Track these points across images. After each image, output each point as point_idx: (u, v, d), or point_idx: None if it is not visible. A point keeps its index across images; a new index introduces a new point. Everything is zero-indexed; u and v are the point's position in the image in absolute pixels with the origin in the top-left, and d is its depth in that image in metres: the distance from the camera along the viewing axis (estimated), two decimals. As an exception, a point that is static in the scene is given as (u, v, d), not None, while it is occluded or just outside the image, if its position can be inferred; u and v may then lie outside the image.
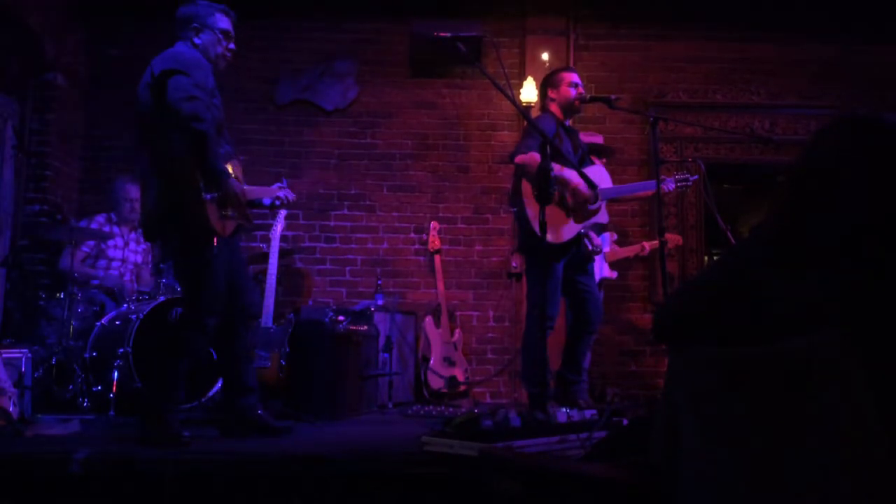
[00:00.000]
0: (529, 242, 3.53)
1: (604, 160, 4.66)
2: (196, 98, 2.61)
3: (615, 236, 4.96)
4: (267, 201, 3.19)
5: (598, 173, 3.72)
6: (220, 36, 2.90)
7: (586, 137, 4.40)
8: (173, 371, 2.71)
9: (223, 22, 2.92)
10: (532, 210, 3.46)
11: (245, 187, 2.95)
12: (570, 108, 3.73)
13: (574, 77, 3.73)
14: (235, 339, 2.96)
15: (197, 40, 2.87)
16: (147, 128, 2.77)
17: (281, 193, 3.19)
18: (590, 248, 3.68)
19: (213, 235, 2.69)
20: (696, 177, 3.90)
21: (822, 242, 1.22)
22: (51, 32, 4.99)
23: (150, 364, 3.26)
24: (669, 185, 3.81)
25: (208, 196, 2.64)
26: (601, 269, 4.79)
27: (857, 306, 1.14)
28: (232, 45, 2.96)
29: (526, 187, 3.54)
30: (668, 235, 4.61)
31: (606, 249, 4.77)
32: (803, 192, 1.34)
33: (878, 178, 1.23)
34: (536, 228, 3.14)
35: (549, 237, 3.20)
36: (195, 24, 2.87)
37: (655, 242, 4.83)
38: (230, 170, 2.82)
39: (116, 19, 5.44)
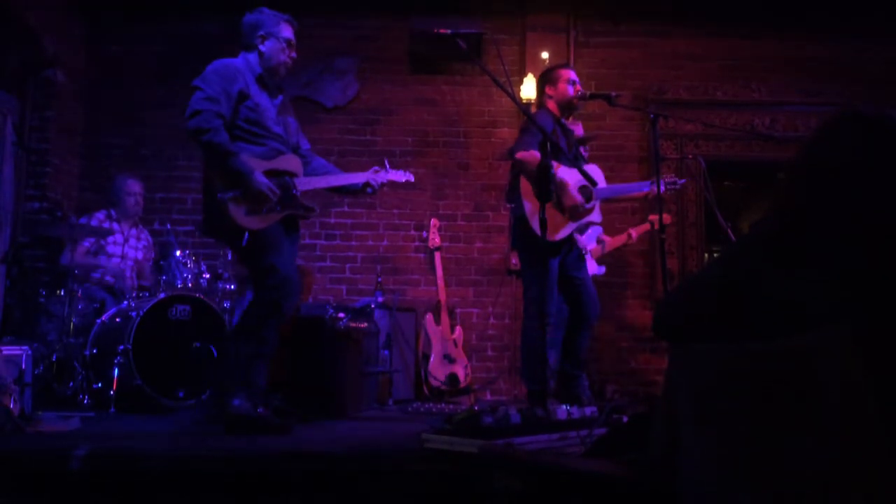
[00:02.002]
0: (527, 239, 3.53)
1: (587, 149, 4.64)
2: (200, 112, 2.78)
3: (599, 231, 4.91)
4: (360, 185, 3.23)
5: (593, 173, 3.71)
6: (285, 45, 3.04)
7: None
8: (251, 355, 2.79)
9: (287, 31, 3.07)
10: (531, 207, 3.46)
11: (341, 175, 3.18)
12: (567, 106, 3.72)
13: (572, 74, 3.73)
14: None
15: (262, 48, 3.02)
16: None
17: (372, 178, 3.22)
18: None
19: (242, 231, 2.79)
20: (683, 180, 3.94)
21: (824, 239, 1.22)
22: (51, 29, 4.98)
23: (226, 352, 3.33)
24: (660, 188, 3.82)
25: (227, 195, 2.76)
26: (589, 267, 4.77)
27: (858, 304, 1.14)
28: (294, 54, 3.10)
29: (525, 185, 3.53)
30: (652, 216, 4.62)
31: (591, 247, 4.75)
32: (805, 189, 1.33)
33: (882, 175, 1.23)
34: (535, 226, 3.13)
35: (547, 234, 3.20)
36: (261, 32, 3.02)
37: (641, 228, 4.85)
38: (277, 165, 2.94)
39: (117, 16, 5.44)
